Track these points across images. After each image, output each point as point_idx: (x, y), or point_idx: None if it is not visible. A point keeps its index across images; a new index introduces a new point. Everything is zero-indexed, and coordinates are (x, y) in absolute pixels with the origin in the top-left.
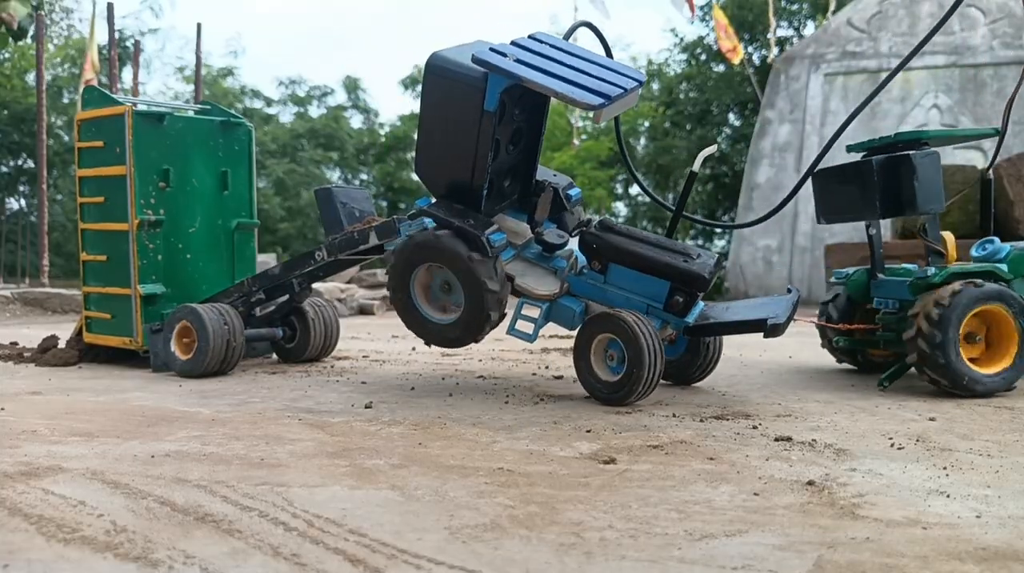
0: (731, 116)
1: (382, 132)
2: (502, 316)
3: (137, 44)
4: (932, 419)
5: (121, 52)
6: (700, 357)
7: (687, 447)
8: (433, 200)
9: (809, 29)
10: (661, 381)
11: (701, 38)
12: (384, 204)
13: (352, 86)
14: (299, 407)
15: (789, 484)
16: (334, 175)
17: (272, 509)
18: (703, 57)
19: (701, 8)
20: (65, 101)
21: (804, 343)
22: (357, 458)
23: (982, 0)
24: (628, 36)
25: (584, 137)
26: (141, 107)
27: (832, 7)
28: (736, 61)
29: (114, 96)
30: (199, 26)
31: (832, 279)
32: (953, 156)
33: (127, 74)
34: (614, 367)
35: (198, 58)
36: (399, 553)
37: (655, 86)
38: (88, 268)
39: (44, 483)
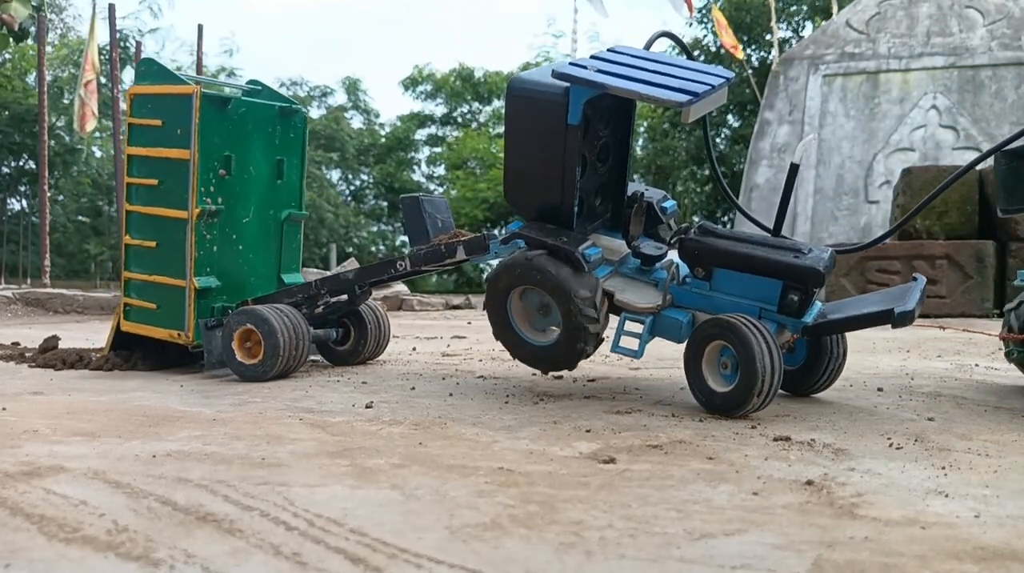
0: (730, 117)
1: (382, 133)
2: (601, 336)
3: (139, 45)
4: (931, 419)
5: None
6: (823, 364)
7: (686, 447)
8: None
9: (808, 30)
10: (780, 392)
11: (699, 40)
12: (384, 205)
13: (352, 87)
14: (300, 407)
15: (788, 484)
16: (334, 175)
17: (273, 508)
18: (701, 59)
19: (699, 10)
20: (66, 101)
21: None
22: (358, 458)
23: (981, 1)
24: (626, 37)
25: None
26: (203, 88)
27: (835, 11)
28: (739, 56)
29: (177, 73)
30: (200, 28)
31: (1017, 281)
32: (952, 157)
33: (128, 74)
34: (727, 376)
35: (199, 59)
36: (400, 552)
37: None
38: (132, 252)
39: (46, 483)
